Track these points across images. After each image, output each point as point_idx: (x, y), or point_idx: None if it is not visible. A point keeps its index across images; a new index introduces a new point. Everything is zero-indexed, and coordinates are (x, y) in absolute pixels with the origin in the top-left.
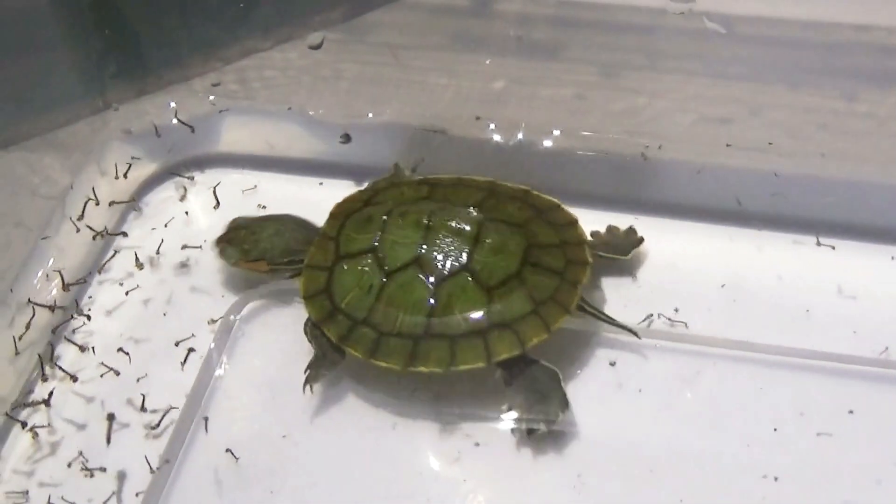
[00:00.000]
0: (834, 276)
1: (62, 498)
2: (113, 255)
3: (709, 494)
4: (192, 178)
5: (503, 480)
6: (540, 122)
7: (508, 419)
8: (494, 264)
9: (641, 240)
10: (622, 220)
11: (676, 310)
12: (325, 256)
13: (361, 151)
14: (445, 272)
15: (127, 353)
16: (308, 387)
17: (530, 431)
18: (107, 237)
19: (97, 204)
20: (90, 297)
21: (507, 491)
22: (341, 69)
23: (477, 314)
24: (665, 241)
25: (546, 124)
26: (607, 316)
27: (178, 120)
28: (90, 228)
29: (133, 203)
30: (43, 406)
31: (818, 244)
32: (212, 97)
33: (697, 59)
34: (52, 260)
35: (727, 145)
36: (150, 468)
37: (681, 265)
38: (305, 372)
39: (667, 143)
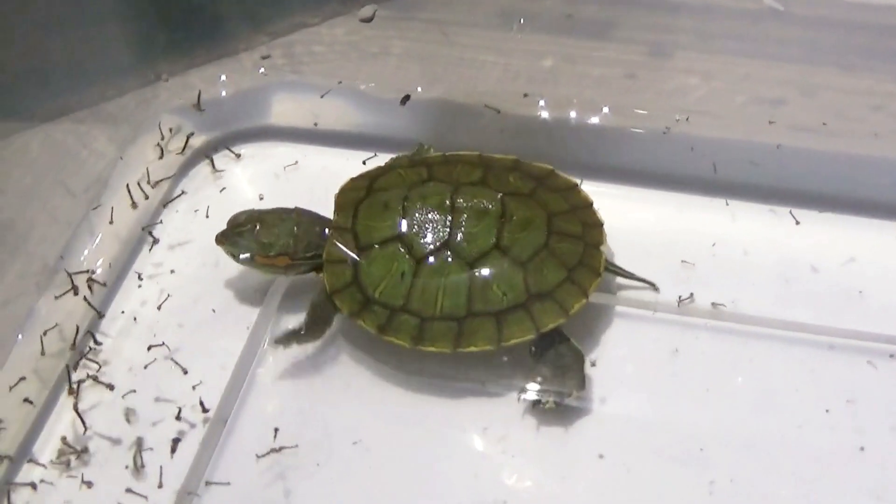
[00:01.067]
0: (890, 259)
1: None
2: (160, 226)
3: (759, 475)
4: (238, 153)
5: (542, 453)
6: (590, 100)
7: (527, 390)
8: (524, 239)
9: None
10: (668, 199)
11: (727, 292)
12: (346, 251)
13: (408, 127)
14: (477, 252)
15: (171, 327)
16: (274, 342)
17: (537, 402)
18: (154, 209)
19: (144, 177)
20: (136, 268)
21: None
22: (389, 45)
23: (516, 288)
24: (710, 222)
25: (596, 102)
26: (629, 272)
27: (226, 93)
28: (137, 200)
29: (179, 175)
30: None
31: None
32: (260, 70)
33: (749, 39)
34: (100, 234)
35: (770, 122)
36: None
37: (731, 244)
38: (281, 337)
39: (715, 122)
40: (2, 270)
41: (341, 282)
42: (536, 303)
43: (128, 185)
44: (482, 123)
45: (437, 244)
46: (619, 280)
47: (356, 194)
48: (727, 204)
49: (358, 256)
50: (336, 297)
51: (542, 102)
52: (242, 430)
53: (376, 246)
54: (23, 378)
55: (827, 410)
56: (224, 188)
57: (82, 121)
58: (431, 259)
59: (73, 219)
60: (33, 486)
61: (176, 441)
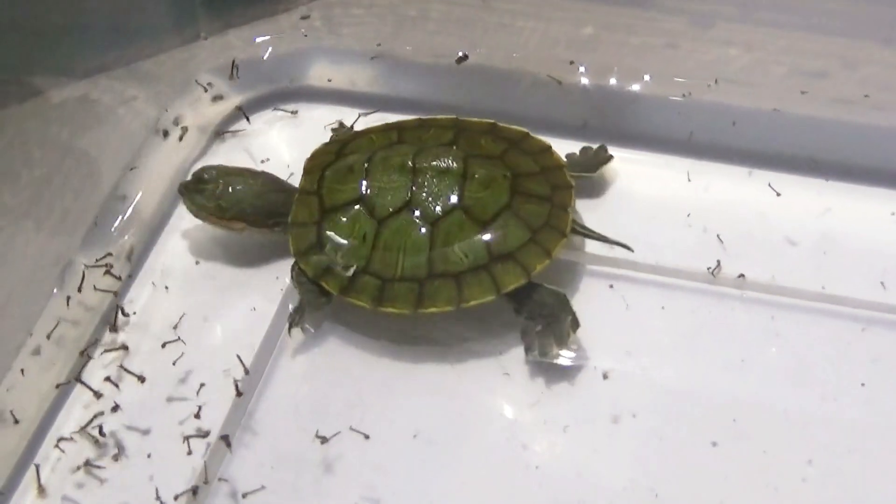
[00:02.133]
0: None
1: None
2: None
3: (793, 447)
4: (275, 113)
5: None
6: (630, 68)
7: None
8: (486, 198)
9: (610, 157)
10: (705, 169)
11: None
12: (310, 212)
13: (445, 91)
14: (438, 212)
15: (203, 286)
16: (289, 330)
17: (544, 353)
18: (187, 171)
19: (182, 136)
20: (170, 227)
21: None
22: (428, 9)
23: (477, 249)
24: (747, 194)
25: (636, 70)
26: (599, 234)
27: (264, 54)
28: (172, 161)
29: (214, 136)
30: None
31: None
32: (299, 32)
33: (791, 11)
34: (139, 193)
35: (802, 92)
36: (237, 390)
37: (769, 216)
38: (290, 318)
39: (755, 93)
40: (38, 226)
41: (305, 244)
42: (498, 264)
43: (162, 145)
44: (520, 90)
45: (399, 205)
46: (652, 247)
47: (325, 158)
48: (765, 176)
49: (320, 219)
50: (300, 259)
51: (581, 69)
52: (275, 390)
53: (339, 209)
54: (57, 324)
55: (863, 384)
56: (259, 151)
57: (120, 79)
58: (393, 220)
59: (108, 175)
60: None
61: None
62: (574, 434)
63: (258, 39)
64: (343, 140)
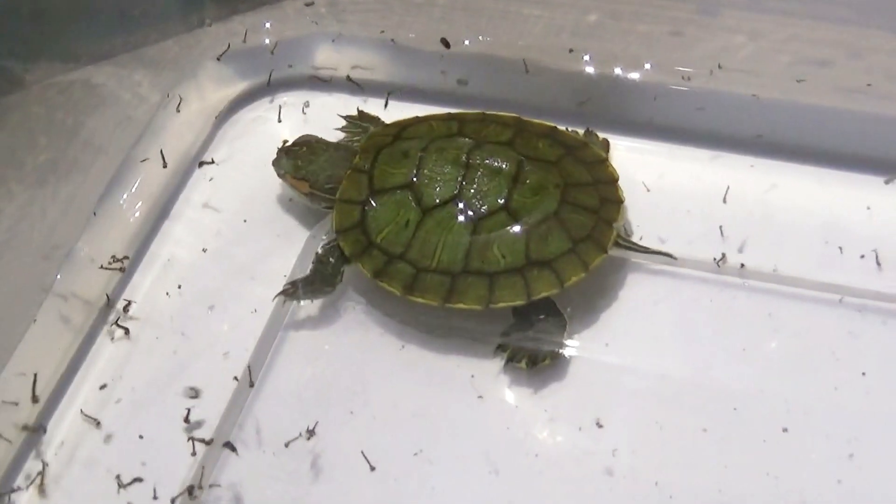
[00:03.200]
0: None
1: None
2: (199, 171)
3: (794, 437)
4: (280, 100)
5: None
6: (634, 57)
7: (505, 344)
8: (533, 204)
9: (605, 143)
10: (710, 158)
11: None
12: (359, 190)
13: (450, 79)
14: (484, 210)
15: (207, 271)
16: (280, 298)
17: (516, 359)
18: (193, 155)
19: (186, 122)
20: (175, 213)
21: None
22: None
23: (516, 252)
24: (754, 182)
25: (640, 59)
26: (643, 247)
27: (269, 41)
28: (175, 148)
29: (219, 123)
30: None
31: None
32: (304, 18)
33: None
34: (144, 179)
35: (797, 81)
36: (249, 378)
37: (774, 206)
38: (288, 289)
39: (761, 82)
40: (43, 211)
41: (349, 222)
42: (534, 269)
43: (167, 131)
44: (524, 78)
45: (446, 197)
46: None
47: (383, 140)
48: (768, 166)
49: (367, 199)
50: (341, 236)
51: (586, 57)
52: (278, 376)
53: (387, 192)
54: (61, 310)
55: (863, 373)
56: (262, 136)
57: (125, 65)
58: (438, 211)
59: (113, 161)
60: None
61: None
62: (574, 421)
63: (263, 26)
64: (402, 124)
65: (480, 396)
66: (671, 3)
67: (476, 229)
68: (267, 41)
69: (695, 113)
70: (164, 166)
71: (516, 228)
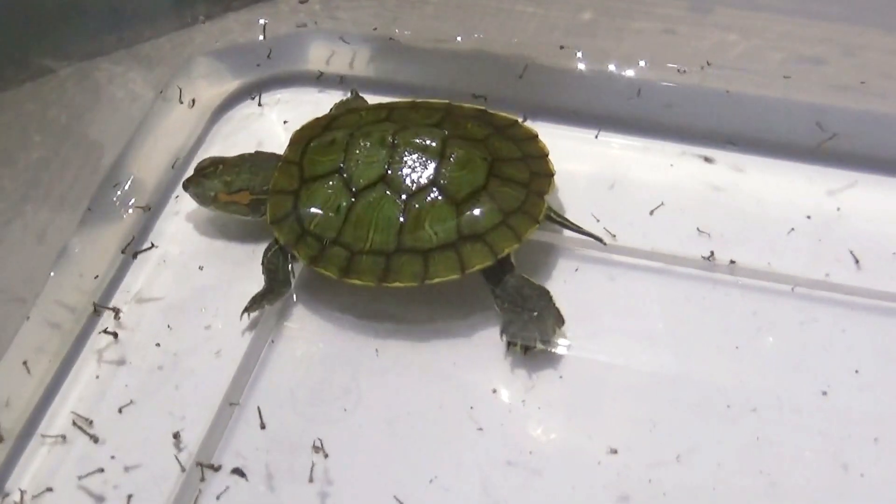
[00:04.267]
0: None
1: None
2: (192, 166)
3: (786, 434)
4: (274, 96)
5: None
6: (627, 55)
7: (508, 339)
8: (461, 178)
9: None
10: (703, 154)
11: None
12: (290, 181)
13: (443, 76)
14: (413, 188)
15: (200, 269)
16: (246, 314)
17: (526, 349)
18: (187, 152)
19: (179, 119)
20: (167, 212)
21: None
22: None
23: (447, 227)
24: (747, 180)
25: (633, 57)
26: (574, 224)
27: (263, 38)
28: (169, 144)
29: (213, 120)
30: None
31: None
32: (297, 15)
33: None
34: (138, 176)
35: (784, 77)
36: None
37: (766, 204)
38: (248, 304)
39: (754, 79)
40: (36, 209)
41: (282, 211)
42: (467, 243)
43: (160, 128)
44: (516, 74)
45: (375, 178)
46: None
47: (312, 132)
48: (761, 163)
49: (299, 188)
50: (275, 226)
51: (579, 55)
52: (271, 376)
53: (317, 179)
54: (54, 308)
55: (856, 371)
56: (256, 133)
57: (118, 61)
58: (368, 193)
59: (107, 159)
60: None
61: None
62: (568, 418)
63: (257, 23)
64: (333, 115)
65: (473, 398)
66: (664, 0)
67: (407, 208)
68: (261, 38)
69: (688, 112)
70: (158, 162)
71: (446, 204)
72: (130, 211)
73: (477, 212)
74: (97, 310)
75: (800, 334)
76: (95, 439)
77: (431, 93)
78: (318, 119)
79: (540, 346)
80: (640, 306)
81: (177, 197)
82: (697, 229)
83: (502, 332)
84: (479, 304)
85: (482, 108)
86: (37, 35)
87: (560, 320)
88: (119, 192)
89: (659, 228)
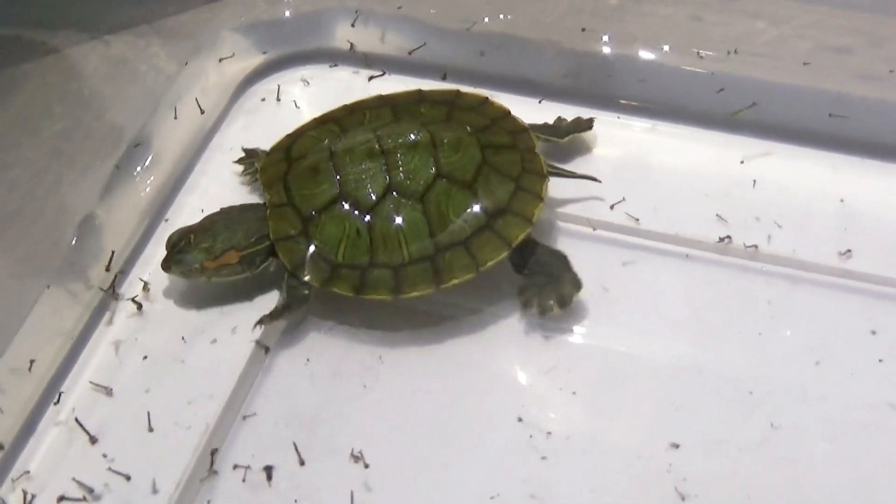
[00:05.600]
0: None
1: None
2: (215, 141)
3: (808, 422)
4: (298, 73)
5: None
6: (653, 39)
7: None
8: (461, 160)
9: (588, 127)
10: (727, 141)
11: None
12: (291, 224)
13: (469, 55)
14: (422, 186)
15: None
16: (260, 326)
17: (543, 311)
18: (210, 126)
19: (201, 94)
20: (190, 183)
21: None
22: None
23: (473, 211)
24: (771, 168)
25: (659, 41)
26: (568, 171)
27: (289, 14)
28: (192, 118)
29: (237, 94)
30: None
31: None
32: None
33: None
34: (159, 149)
35: (804, 63)
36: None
37: (792, 192)
38: (264, 318)
39: (780, 67)
40: (58, 179)
41: (299, 257)
42: (498, 219)
43: (183, 103)
44: (545, 58)
45: (381, 191)
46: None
47: (278, 168)
48: (790, 150)
49: (305, 228)
50: (299, 272)
51: (605, 38)
52: (291, 349)
53: (321, 212)
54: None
55: (880, 360)
56: (279, 110)
57: (142, 35)
58: (381, 207)
59: (128, 132)
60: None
61: None
62: (588, 401)
63: None
64: (283, 146)
65: (494, 375)
66: None
67: (425, 207)
68: (287, 14)
69: (712, 95)
70: (180, 137)
71: (459, 191)
72: (151, 184)
73: (490, 187)
74: (114, 285)
75: (824, 322)
76: (112, 399)
77: (456, 72)
78: (270, 155)
79: (557, 310)
80: (663, 291)
81: (201, 171)
82: (719, 215)
83: (518, 294)
84: (502, 282)
85: (417, 89)
86: (61, 7)
87: (577, 285)
88: (141, 164)
89: (682, 213)
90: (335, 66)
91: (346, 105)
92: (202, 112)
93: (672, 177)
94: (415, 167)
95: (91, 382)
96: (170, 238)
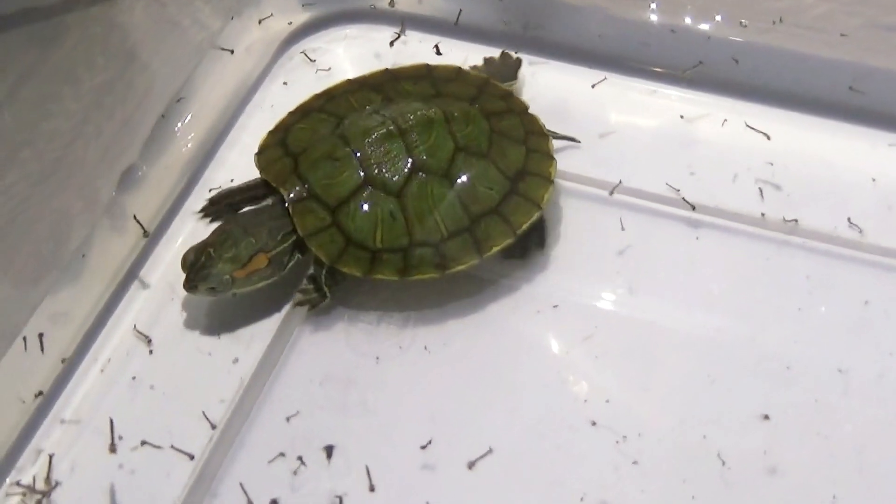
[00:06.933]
0: None
1: (199, 349)
2: (257, 98)
3: (845, 399)
4: (342, 31)
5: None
6: (703, 7)
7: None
8: (473, 132)
9: (519, 61)
10: (773, 115)
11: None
12: (319, 217)
13: (510, 19)
14: (445, 162)
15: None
16: (309, 309)
17: (523, 255)
18: (252, 82)
19: (244, 51)
20: (229, 141)
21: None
22: None
23: (496, 179)
24: (819, 143)
25: (709, 10)
26: (552, 131)
27: None
28: (234, 74)
29: (280, 52)
30: None
31: None
32: None
33: None
34: (201, 103)
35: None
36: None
37: (839, 168)
38: (311, 300)
39: (829, 41)
40: (98, 130)
41: (336, 248)
42: (519, 183)
43: (226, 59)
44: (581, 21)
45: (406, 171)
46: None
47: (282, 164)
48: (834, 126)
49: (335, 219)
50: (340, 264)
51: (652, 6)
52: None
53: (348, 199)
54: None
55: None
56: (323, 69)
57: None
58: (409, 188)
59: (170, 86)
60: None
61: None
62: (623, 369)
63: None
64: (275, 142)
65: (529, 341)
66: None
67: (452, 182)
68: None
69: (760, 70)
70: (221, 92)
71: (479, 161)
72: (193, 137)
73: (505, 153)
74: (160, 229)
75: (864, 299)
76: (151, 352)
77: (496, 36)
78: (266, 153)
79: (533, 253)
80: (702, 263)
81: (241, 127)
82: (761, 189)
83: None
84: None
85: (384, 68)
86: None
87: (540, 242)
88: (182, 118)
89: (724, 186)
90: (376, 26)
91: (317, 94)
92: (243, 69)
93: (715, 149)
94: (434, 144)
95: (134, 329)
96: (185, 257)
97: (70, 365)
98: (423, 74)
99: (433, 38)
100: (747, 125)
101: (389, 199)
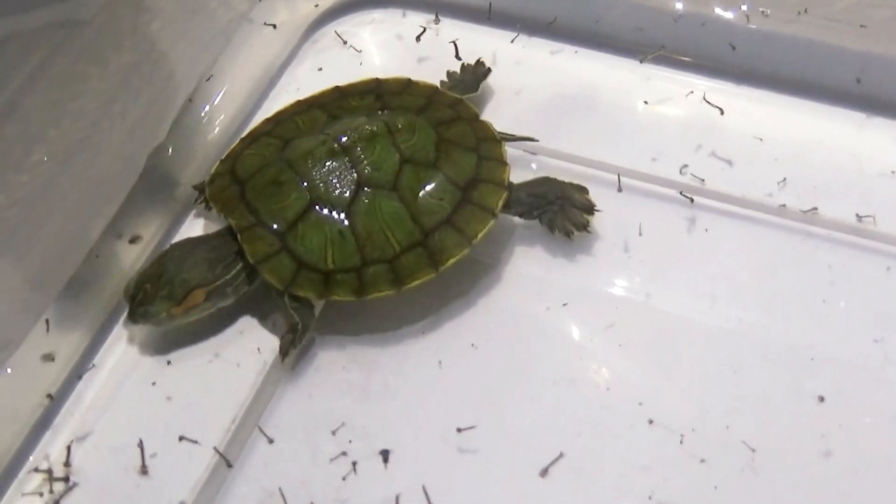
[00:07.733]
0: None
1: (218, 355)
2: (283, 80)
3: (868, 392)
4: (370, 16)
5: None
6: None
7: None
8: (419, 142)
9: (488, 71)
10: (802, 107)
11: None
12: (268, 243)
13: (535, 5)
14: (391, 175)
15: None
16: (283, 359)
17: (568, 235)
18: (280, 65)
19: (272, 32)
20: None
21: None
22: None
23: (446, 190)
24: (844, 135)
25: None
26: (510, 134)
27: None
28: (261, 58)
29: (308, 34)
30: None
31: None
32: None
33: None
34: (228, 86)
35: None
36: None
37: (861, 153)
38: (283, 346)
39: (860, 33)
40: (124, 111)
41: (288, 272)
42: (473, 191)
43: (253, 41)
44: (616, 9)
45: (352, 188)
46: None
47: (230, 191)
48: (859, 118)
49: (283, 243)
50: (294, 288)
51: None
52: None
53: (297, 223)
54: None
55: None
56: (349, 52)
57: None
58: (356, 205)
59: (198, 68)
60: None
61: None
62: (646, 357)
63: None
64: (225, 171)
65: (550, 329)
66: None
67: (400, 196)
68: None
69: (789, 61)
70: (249, 74)
71: (427, 171)
72: (220, 119)
73: (454, 162)
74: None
75: (890, 292)
76: (169, 362)
77: (528, 20)
78: (215, 182)
79: (577, 232)
80: (725, 253)
81: (266, 112)
82: (787, 179)
83: (542, 224)
84: (551, 242)
85: (335, 86)
86: None
87: (585, 205)
88: (209, 100)
89: (749, 177)
90: (405, 14)
91: (267, 118)
92: (271, 51)
93: (739, 139)
94: (379, 157)
95: None
96: (126, 289)
97: (80, 366)
98: (372, 88)
99: (462, 25)
100: (770, 116)
101: (337, 219)
